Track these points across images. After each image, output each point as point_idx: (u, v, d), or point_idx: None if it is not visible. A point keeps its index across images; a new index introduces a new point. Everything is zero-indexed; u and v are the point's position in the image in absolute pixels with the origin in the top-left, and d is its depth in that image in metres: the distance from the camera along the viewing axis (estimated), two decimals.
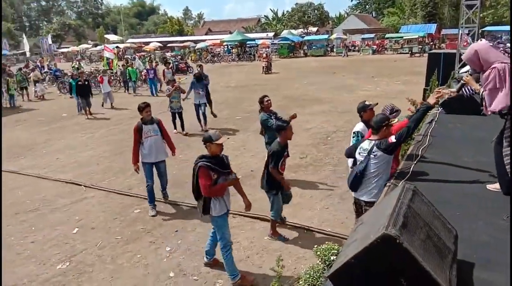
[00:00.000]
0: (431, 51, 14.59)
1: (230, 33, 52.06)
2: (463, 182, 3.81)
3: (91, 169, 8.44)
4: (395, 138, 3.85)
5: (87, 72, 22.62)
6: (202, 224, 5.56)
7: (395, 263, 1.99)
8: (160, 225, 5.75)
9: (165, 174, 6.47)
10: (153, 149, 6.05)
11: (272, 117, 6.57)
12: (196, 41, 52.57)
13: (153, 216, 6.03)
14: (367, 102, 5.15)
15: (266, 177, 5.09)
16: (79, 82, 14.19)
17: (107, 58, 25.48)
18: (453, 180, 3.85)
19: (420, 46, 36.03)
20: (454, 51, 10.44)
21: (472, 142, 5.22)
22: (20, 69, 21.07)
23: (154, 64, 20.26)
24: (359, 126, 5.13)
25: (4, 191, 7.26)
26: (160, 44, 56.47)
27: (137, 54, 38.58)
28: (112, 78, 17.62)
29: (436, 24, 44.02)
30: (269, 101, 6.76)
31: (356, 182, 4.05)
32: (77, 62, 25.29)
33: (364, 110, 5.11)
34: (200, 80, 11.06)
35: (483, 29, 34.92)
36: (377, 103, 5.22)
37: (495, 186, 3.58)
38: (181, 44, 54.11)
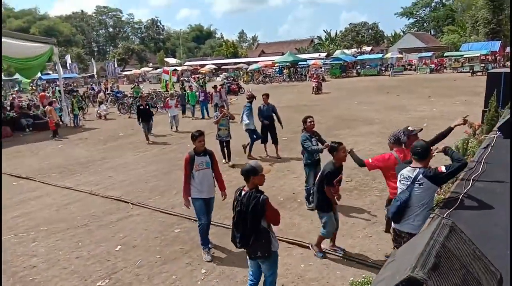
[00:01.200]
0: (490, 71, 13.64)
1: (283, 54, 52.75)
2: None
3: (140, 186, 8.75)
4: (446, 168, 3.59)
5: (145, 94, 23.94)
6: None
7: None
8: (198, 246, 5.74)
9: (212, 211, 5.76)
10: (205, 183, 5.37)
11: (313, 139, 6.45)
12: (249, 63, 53.86)
13: (208, 261, 5.29)
14: (410, 128, 4.92)
15: (318, 198, 5.10)
16: (140, 107, 13.80)
17: (165, 81, 26.78)
18: (504, 214, 3.46)
19: (483, 65, 33.98)
20: None
21: None
22: (71, 90, 23.09)
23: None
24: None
25: (59, 206, 7.75)
26: (215, 66, 58.54)
27: (192, 76, 40.21)
28: (178, 101, 17.01)
29: (500, 41, 41.39)
30: (312, 123, 6.66)
31: (398, 213, 3.80)
32: (136, 84, 26.77)
33: (408, 137, 4.87)
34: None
35: None
36: (421, 129, 4.98)
37: None
38: (235, 66, 55.69)
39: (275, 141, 10.26)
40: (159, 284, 4.85)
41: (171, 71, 29.43)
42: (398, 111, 16.20)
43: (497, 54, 39.18)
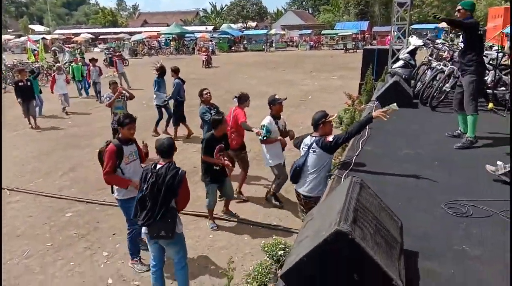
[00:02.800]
0: (365, 47, 15.25)
1: (168, 25, 50.60)
2: (402, 173, 3.94)
3: (16, 169, 7.67)
4: (333, 138, 3.90)
5: (9, 65, 20.53)
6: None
7: (348, 259, 1.96)
8: (95, 228, 5.35)
9: None
10: (137, 178, 4.11)
11: (212, 111, 6.43)
12: (131, 33, 50.45)
13: (145, 271, 4.34)
14: (277, 96, 5.44)
15: (202, 168, 5.17)
16: (19, 83, 10.97)
17: (33, 50, 23.48)
18: (392, 172, 3.97)
19: (354, 43, 37.65)
20: (387, 47, 10.97)
21: (407, 134, 5.48)
22: None
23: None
24: (267, 120, 5.41)
25: None
26: (92, 36, 53.45)
27: (66, 46, 35.99)
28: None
29: (368, 22, 46.31)
30: (208, 94, 6.67)
31: (295, 175, 4.13)
32: None
33: (274, 104, 5.39)
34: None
35: (410, 27, 37.36)
36: (286, 98, 5.62)
37: (491, 168, 3.70)
38: (115, 36, 51.65)
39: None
40: (56, 272, 4.39)
41: (40, 40, 26.02)
42: (286, 85, 17.04)
43: (366, 33, 43.74)
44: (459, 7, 4.86)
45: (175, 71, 9.18)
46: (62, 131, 10.59)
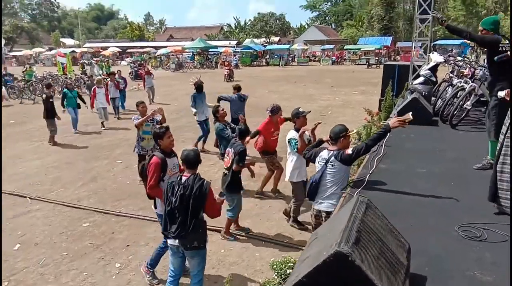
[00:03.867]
0: (386, 63, 15.12)
1: (192, 40, 51.66)
2: (416, 192, 3.84)
3: (38, 179, 7.91)
4: (352, 150, 3.88)
5: (39, 77, 21.33)
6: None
7: (347, 282, 1.92)
8: (110, 239, 5.43)
9: None
10: None
11: (227, 127, 6.52)
12: (157, 47, 51.73)
13: (157, 284, 4.43)
14: (300, 109, 5.41)
15: (229, 179, 5.17)
16: (50, 99, 10.59)
17: (62, 63, 24.40)
18: (406, 191, 3.88)
19: (377, 58, 37.39)
20: (408, 63, 10.83)
21: (424, 152, 5.36)
22: None
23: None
24: (292, 133, 5.38)
25: None
26: (119, 50, 55.11)
27: (94, 59, 37.23)
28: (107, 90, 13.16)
29: (391, 37, 45.96)
30: (224, 111, 6.73)
31: (312, 191, 4.06)
32: (28, 66, 23.84)
33: (298, 117, 5.37)
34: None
35: (434, 43, 36.83)
36: (310, 111, 5.62)
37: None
38: (141, 50, 53.09)
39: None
40: (68, 282, 4.46)
41: (68, 53, 26.98)
42: (306, 100, 17.03)
43: (389, 49, 43.42)
44: (480, 27, 4.61)
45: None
46: (83, 143, 10.87)
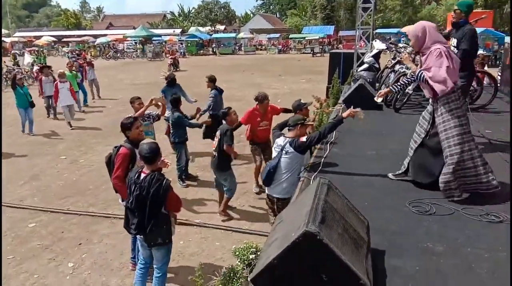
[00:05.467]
0: (332, 51, 15.58)
1: (134, 28, 49.69)
2: (368, 173, 4.04)
3: None
4: (306, 139, 3.98)
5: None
6: (109, 234, 5.14)
7: (316, 259, 1.99)
8: (60, 239, 5.15)
9: None
10: None
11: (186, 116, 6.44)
12: (96, 36, 49.13)
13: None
14: (302, 101, 5.38)
15: (219, 159, 5.36)
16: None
17: None
18: (358, 172, 4.08)
19: (321, 47, 38.36)
20: (353, 51, 11.23)
21: (372, 135, 5.63)
22: None
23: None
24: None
25: None
26: (54, 39, 51.63)
27: (27, 49, 34.54)
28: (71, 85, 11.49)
29: (333, 26, 47.32)
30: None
31: (269, 177, 4.14)
32: None
33: (300, 109, 5.30)
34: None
35: (375, 31, 38.50)
36: (311, 102, 5.49)
37: (395, 175, 3.85)
38: (79, 39, 50.13)
39: None
40: None
41: None
42: (255, 88, 17.10)
43: (332, 38, 44.67)
44: (455, 7, 4.68)
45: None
46: (21, 138, 10.15)
